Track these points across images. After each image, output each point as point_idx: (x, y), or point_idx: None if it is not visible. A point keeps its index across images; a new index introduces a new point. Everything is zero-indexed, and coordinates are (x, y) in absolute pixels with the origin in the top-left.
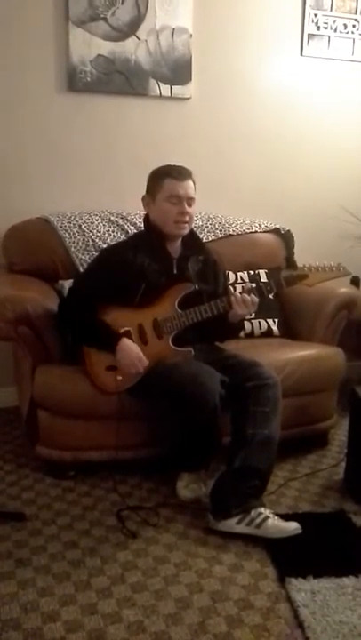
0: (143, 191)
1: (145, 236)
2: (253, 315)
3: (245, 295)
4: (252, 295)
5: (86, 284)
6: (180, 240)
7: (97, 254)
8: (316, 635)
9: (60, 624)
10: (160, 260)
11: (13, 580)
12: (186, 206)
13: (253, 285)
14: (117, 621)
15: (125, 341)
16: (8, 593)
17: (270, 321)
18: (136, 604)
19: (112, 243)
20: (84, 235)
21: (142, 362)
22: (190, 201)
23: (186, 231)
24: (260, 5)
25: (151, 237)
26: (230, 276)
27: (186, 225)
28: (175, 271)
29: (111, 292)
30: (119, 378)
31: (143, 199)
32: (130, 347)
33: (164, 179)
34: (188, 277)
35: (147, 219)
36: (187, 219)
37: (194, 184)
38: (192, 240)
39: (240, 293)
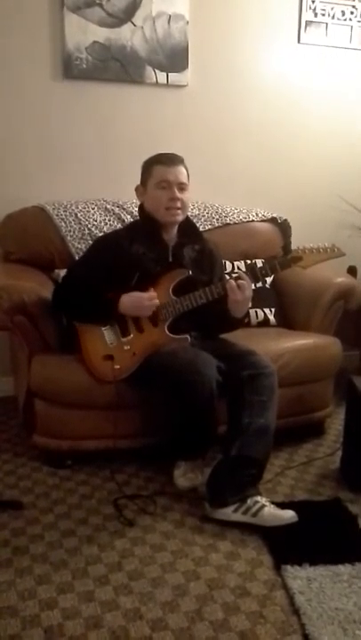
0: (139, 179)
1: (140, 226)
2: (250, 304)
3: (240, 280)
4: (247, 279)
5: (81, 272)
6: (176, 228)
7: (92, 242)
8: (311, 621)
9: (57, 611)
10: (155, 248)
11: (11, 567)
12: (176, 192)
13: (247, 271)
14: (114, 609)
15: (123, 297)
16: (5, 581)
17: (267, 310)
18: (133, 591)
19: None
20: (81, 223)
21: (152, 297)
22: (182, 186)
23: (180, 218)
24: None
25: (146, 226)
26: (227, 266)
27: (178, 211)
28: (170, 259)
29: (106, 279)
30: (116, 367)
31: (137, 189)
32: (130, 296)
33: (154, 166)
34: (183, 265)
35: (141, 208)
36: (178, 204)
37: (187, 171)
38: (189, 228)
39: (234, 278)
